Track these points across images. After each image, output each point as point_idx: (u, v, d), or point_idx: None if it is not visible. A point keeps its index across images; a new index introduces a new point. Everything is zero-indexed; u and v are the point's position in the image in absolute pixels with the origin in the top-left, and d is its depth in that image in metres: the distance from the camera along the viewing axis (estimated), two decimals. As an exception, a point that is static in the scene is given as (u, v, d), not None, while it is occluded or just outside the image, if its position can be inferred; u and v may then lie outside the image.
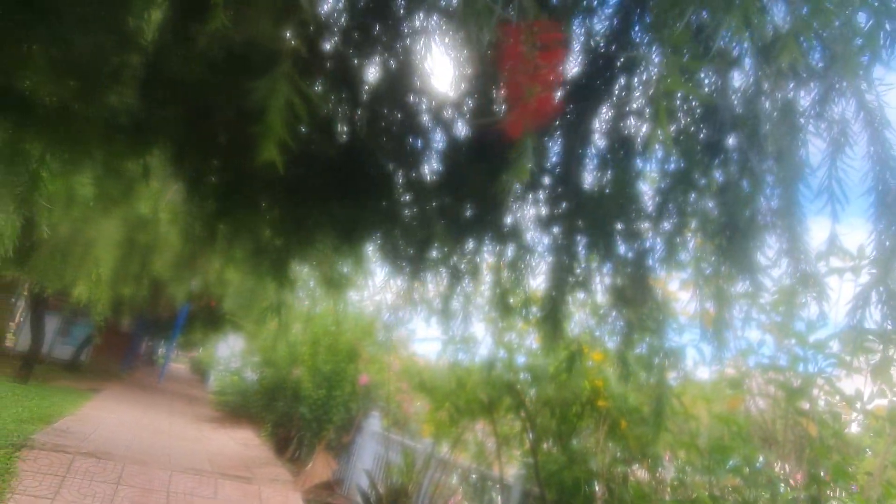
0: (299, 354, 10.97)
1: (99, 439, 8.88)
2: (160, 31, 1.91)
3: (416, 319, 2.90)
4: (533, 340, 5.31)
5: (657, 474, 4.89)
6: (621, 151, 1.70)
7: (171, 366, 27.33)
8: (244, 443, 11.41)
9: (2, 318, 19.11)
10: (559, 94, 0.98)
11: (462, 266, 2.26)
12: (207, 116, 1.96)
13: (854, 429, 4.22)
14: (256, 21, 1.23)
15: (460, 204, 1.93)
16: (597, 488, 4.78)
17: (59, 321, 19.04)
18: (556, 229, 1.99)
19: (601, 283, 1.90)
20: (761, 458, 4.13)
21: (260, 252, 2.46)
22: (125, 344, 22.81)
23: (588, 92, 1.70)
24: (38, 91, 2.09)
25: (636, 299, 1.76)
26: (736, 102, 1.59)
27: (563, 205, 1.91)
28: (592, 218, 1.75)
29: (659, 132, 1.07)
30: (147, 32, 2.04)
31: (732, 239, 1.88)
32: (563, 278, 1.96)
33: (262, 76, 1.26)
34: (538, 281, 2.20)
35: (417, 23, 1.78)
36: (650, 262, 1.83)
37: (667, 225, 1.83)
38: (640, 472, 5.12)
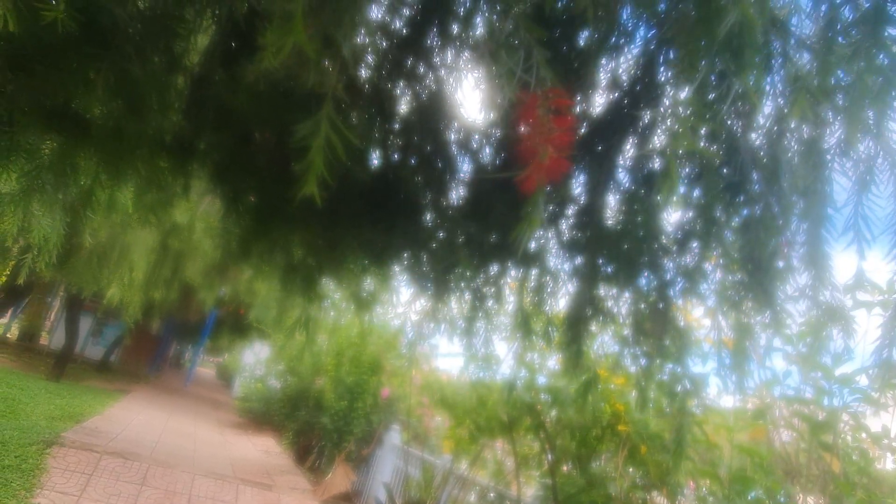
0: (323, 365, 11.09)
1: (126, 439, 9.09)
2: (206, 57, 2.03)
3: (439, 336, 2.97)
4: (554, 362, 5.33)
5: (677, 502, 4.84)
6: (643, 186, 1.75)
7: (198, 370, 27.73)
8: (265, 450, 11.54)
9: (38, 316, 19.70)
10: (572, 150, 1.04)
11: (485, 288, 2.32)
12: (248, 140, 2.06)
13: (889, 465, 4.13)
14: (298, 59, 1.31)
15: (485, 230, 1.99)
16: (615, 513, 4.74)
17: (92, 322, 19.55)
18: (578, 258, 2.04)
19: (622, 312, 1.94)
20: (783, 492, 4.07)
21: (291, 269, 2.56)
22: (154, 347, 23.28)
23: (614, 127, 1.76)
24: (92, 110, 2.23)
25: (656, 329, 1.79)
26: (758, 140, 1.63)
27: (586, 235, 1.96)
28: (614, 249, 1.79)
29: (669, 190, 1.12)
30: (193, 58, 2.17)
31: (754, 273, 1.90)
32: (585, 305, 2.00)
33: (303, 112, 1.34)
34: (560, 304, 2.25)
35: (448, 57, 1.87)
36: (671, 293, 1.86)
37: (688, 258, 1.87)
38: (658, 500, 5.07)
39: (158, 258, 9.47)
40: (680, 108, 1.10)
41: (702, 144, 1.42)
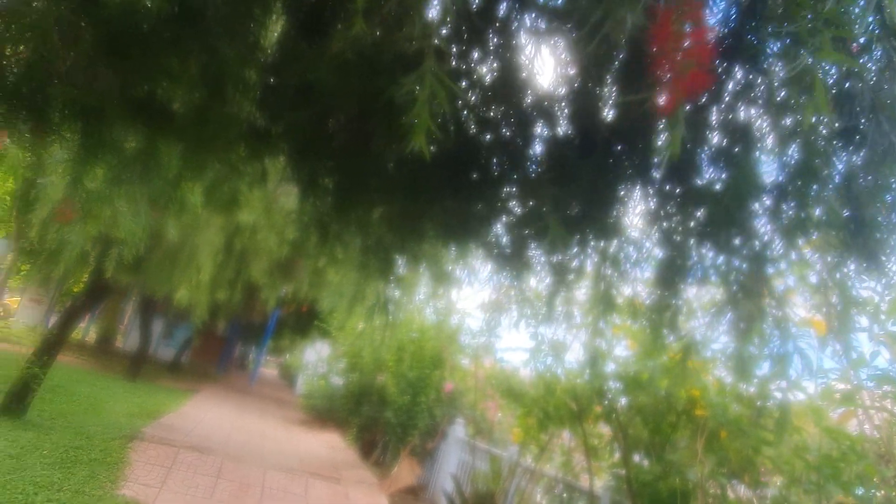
0: (384, 360, 11.21)
1: (200, 435, 9.42)
2: (283, 35, 2.06)
3: (511, 321, 2.93)
4: (625, 347, 5.20)
5: (758, 490, 4.65)
6: (740, 142, 1.67)
7: (261, 370, 28.52)
8: (331, 445, 11.74)
9: (114, 320, 20.71)
10: (712, 63, 0.99)
11: (566, 263, 2.27)
12: (325, 120, 2.08)
13: None
14: (391, 21, 1.31)
15: (568, 200, 1.94)
16: (694, 501, 4.58)
17: (163, 324, 20.39)
18: (666, 224, 1.97)
19: (716, 279, 1.86)
20: (878, 476, 3.85)
21: (369, 250, 2.57)
22: (220, 347, 24.10)
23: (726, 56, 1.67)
24: (176, 100, 2.30)
25: (754, 294, 1.71)
26: (867, 88, 1.53)
27: (677, 197, 1.89)
28: (708, 211, 1.72)
29: (816, 108, 1.05)
30: (268, 39, 2.20)
31: (857, 233, 1.79)
32: (673, 275, 1.92)
33: (390, 78, 1.34)
34: (645, 278, 2.17)
35: (528, 21, 1.83)
36: (770, 253, 1.77)
37: (786, 218, 1.77)
38: (739, 488, 4.88)
39: (224, 259, 9.77)
40: (820, 22, 1.03)
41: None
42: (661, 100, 1.05)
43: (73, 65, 2.28)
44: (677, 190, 1.91)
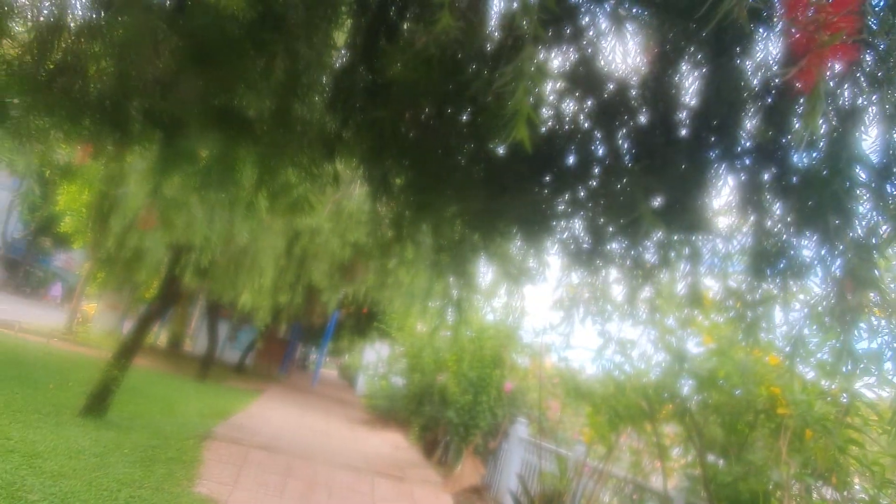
0: (445, 360, 11.24)
1: (268, 434, 9.66)
2: (358, 35, 2.07)
3: (581, 318, 2.86)
4: (698, 343, 5.03)
5: (846, 493, 4.41)
6: (847, 121, 1.56)
7: (322, 371, 29.11)
8: (394, 445, 11.85)
9: (182, 324, 21.57)
10: (859, 32, 0.92)
11: (652, 255, 2.20)
12: (402, 117, 2.08)
13: None
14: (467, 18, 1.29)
15: (660, 189, 1.87)
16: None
17: (228, 327, 21.07)
18: (762, 212, 1.87)
19: (818, 269, 1.75)
20: None
21: (442, 249, 2.56)
22: (282, 349, 24.75)
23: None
24: (253, 106, 2.35)
25: (861, 282, 1.60)
26: None
27: (776, 182, 1.79)
28: (812, 196, 1.62)
29: None
30: (342, 40, 2.22)
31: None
32: (770, 267, 1.83)
33: (474, 72, 1.32)
34: (736, 271, 2.08)
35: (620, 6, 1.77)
36: (873, 242, 1.66)
37: (893, 200, 1.66)
38: (824, 490, 4.64)
39: (286, 262, 10.00)
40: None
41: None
42: (801, 75, 0.98)
43: (156, 77, 2.36)
44: (777, 175, 1.81)
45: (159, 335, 22.28)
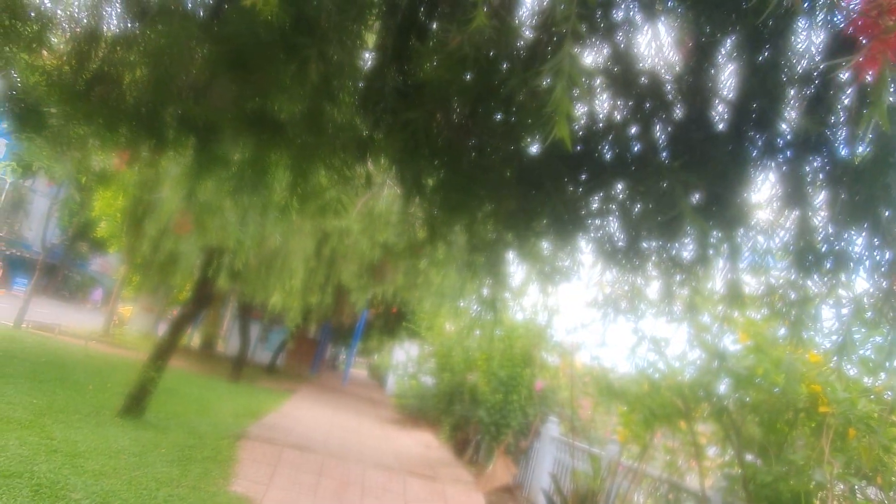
0: (475, 359, 11.22)
1: (300, 434, 9.77)
2: (389, 38, 2.07)
3: (615, 317, 2.82)
4: (735, 341, 4.94)
5: (893, 492, 4.28)
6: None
7: (351, 370, 29.34)
8: (425, 444, 11.88)
9: (215, 326, 21.96)
10: None
11: (691, 253, 2.15)
12: (434, 117, 2.08)
13: None
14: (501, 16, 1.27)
15: (701, 185, 1.83)
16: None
17: (259, 329, 21.37)
18: (807, 207, 1.81)
19: (867, 264, 1.69)
20: None
21: (475, 249, 2.55)
22: (313, 350, 25.01)
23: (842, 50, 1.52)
24: (286, 109, 2.37)
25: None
26: None
27: (823, 176, 1.74)
28: (860, 189, 1.56)
29: None
30: (372, 42, 2.23)
31: None
32: (816, 264, 1.77)
33: (509, 71, 1.30)
34: (779, 268, 2.02)
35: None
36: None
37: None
38: (868, 490, 4.51)
39: (316, 264, 10.09)
40: None
41: None
42: (863, 64, 0.94)
43: (190, 84, 2.40)
44: (822, 167, 1.76)
45: (193, 337, 22.71)
